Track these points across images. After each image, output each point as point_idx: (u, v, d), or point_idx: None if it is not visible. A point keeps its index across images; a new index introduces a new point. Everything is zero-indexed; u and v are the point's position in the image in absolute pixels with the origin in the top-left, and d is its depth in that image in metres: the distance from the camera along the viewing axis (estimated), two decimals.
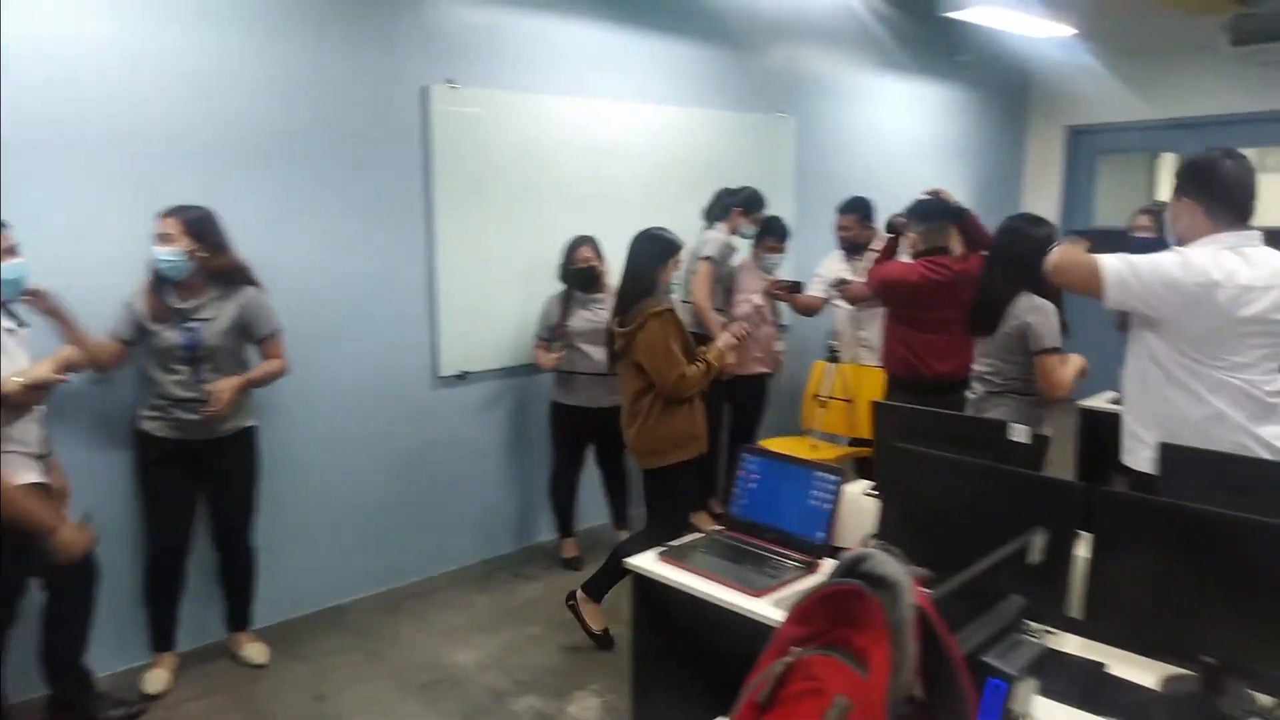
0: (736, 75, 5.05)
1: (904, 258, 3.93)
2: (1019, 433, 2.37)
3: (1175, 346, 2.37)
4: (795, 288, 4.58)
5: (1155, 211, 4.23)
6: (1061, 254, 2.55)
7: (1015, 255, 3.12)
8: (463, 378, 4.10)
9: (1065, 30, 5.63)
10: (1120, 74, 6.42)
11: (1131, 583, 1.80)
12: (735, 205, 4.53)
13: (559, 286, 4.09)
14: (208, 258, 2.98)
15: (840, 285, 4.42)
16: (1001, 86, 6.84)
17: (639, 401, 3.22)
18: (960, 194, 6.62)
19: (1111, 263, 2.40)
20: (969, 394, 3.28)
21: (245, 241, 3.15)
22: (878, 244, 4.38)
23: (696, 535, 2.58)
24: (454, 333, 4.02)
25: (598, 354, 3.97)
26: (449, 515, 4.14)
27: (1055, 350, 3.02)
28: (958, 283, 3.57)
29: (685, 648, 2.40)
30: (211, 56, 3.24)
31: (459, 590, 4.00)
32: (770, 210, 4.65)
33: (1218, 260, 2.31)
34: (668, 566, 2.35)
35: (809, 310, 4.70)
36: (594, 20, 4.35)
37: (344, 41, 3.55)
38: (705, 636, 2.25)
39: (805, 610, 1.32)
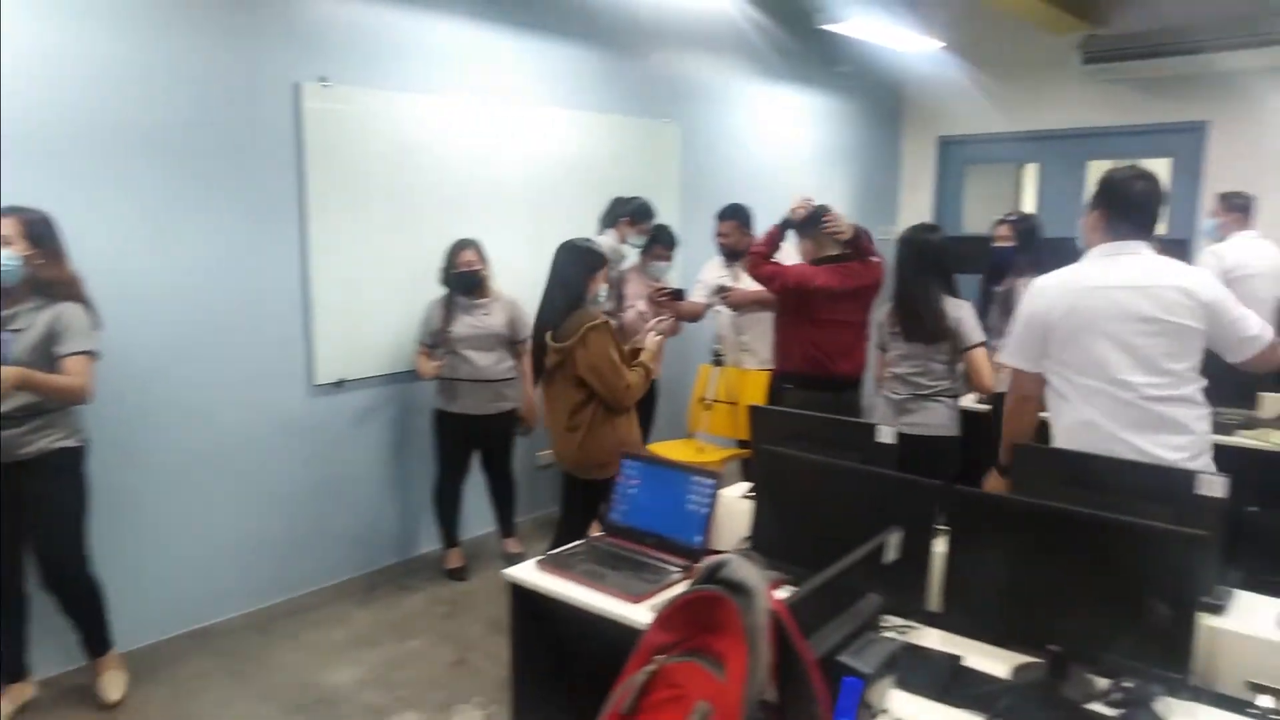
0: (622, 79, 5.07)
1: (791, 259, 4.04)
2: (885, 434, 2.46)
3: (1054, 360, 2.53)
4: (677, 295, 4.62)
5: (1013, 222, 4.41)
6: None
7: (926, 262, 3.38)
8: (340, 385, 3.97)
9: (934, 44, 5.89)
10: (985, 88, 6.75)
11: (985, 577, 1.88)
12: (624, 215, 4.58)
13: (441, 291, 4.01)
14: (42, 265, 2.76)
15: (722, 292, 4.49)
16: (878, 97, 7.09)
17: (578, 415, 3.18)
18: (840, 201, 6.88)
19: (1005, 354, 2.66)
20: (891, 395, 3.46)
21: (103, 245, 2.96)
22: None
23: (577, 543, 2.57)
24: (330, 339, 3.89)
25: (482, 359, 3.93)
26: (328, 528, 4.00)
27: (983, 344, 3.27)
28: (862, 288, 3.80)
29: (567, 657, 2.38)
30: (65, 47, 3.04)
31: (339, 606, 3.87)
32: (657, 216, 4.70)
33: (1076, 271, 2.49)
34: (547, 575, 2.34)
35: (692, 317, 4.75)
36: (475, 19, 4.28)
37: (210, 35, 3.39)
38: (586, 645, 2.24)
39: (667, 618, 1.34)
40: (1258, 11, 5.35)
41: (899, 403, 3.42)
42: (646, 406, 4.89)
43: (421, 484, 4.24)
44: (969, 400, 4.33)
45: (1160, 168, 6.35)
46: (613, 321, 4.58)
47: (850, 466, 2.09)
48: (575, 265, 3.22)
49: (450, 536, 4.20)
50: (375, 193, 3.98)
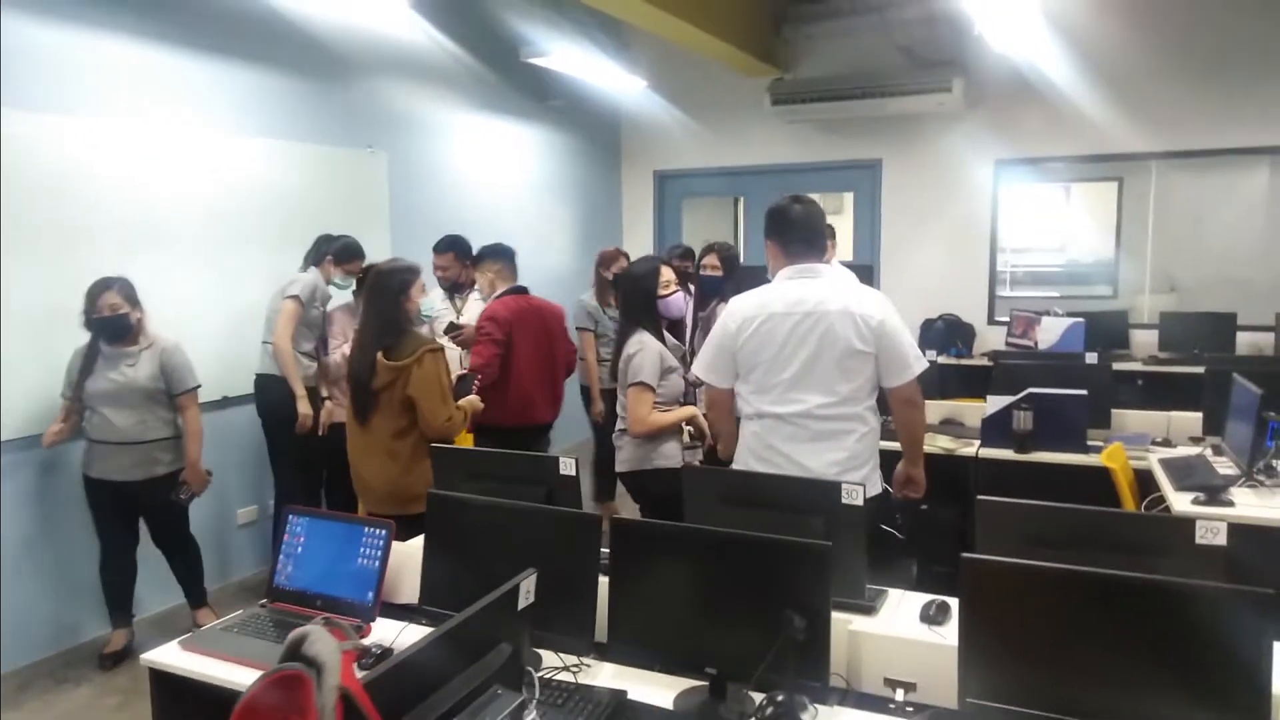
0: (319, 107, 4.79)
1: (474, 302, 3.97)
2: (567, 465, 2.42)
3: (740, 379, 2.67)
4: (454, 328, 4.39)
5: (719, 250, 4.57)
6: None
7: (625, 299, 3.39)
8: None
9: (638, 83, 6.12)
10: (690, 125, 7.13)
11: (644, 604, 1.88)
12: (329, 253, 4.33)
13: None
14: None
15: (452, 330, 4.29)
16: (595, 131, 7.27)
17: (397, 442, 3.14)
18: (564, 231, 6.96)
19: (696, 367, 2.81)
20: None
21: None
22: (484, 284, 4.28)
23: (236, 614, 2.30)
24: None
25: (120, 418, 3.47)
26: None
27: (642, 384, 3.18)
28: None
29: None
30: None
31: None
32: (366, 249, 4.46)
33: (763, 293, 2.63)
34: (190, 655, 2.06)
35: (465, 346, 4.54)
36: (145, 38, 3.86)
37: None
38: None
39: (252, 703, 1.18)
40: (909, 65, 6.05)
41: (614, 439, 3.43)
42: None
43: (86, 560, 3.70)
44: None
45: (845, 201, 7.02)
46: (324, 361, 4.32)
47: (510, 504, 2.03)
48: (385, 288, 3.20)
49: (119, 616, 3.68)
50: (20, 228, 3.44)
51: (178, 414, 3.61)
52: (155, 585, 3.90)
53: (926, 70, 5.97)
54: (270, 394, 4.18)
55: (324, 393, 4.35)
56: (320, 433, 4.24)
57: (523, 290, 4.06)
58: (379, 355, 3.13)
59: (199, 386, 3.65)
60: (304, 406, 4.13)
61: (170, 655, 2.08)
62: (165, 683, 2.07)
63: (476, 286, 4.40)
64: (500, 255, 4.13)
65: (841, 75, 6.26)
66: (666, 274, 3.37)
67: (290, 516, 2.37)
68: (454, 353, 4.52)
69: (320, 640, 1.07)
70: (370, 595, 2.22)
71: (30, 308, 3.51)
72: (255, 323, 4.27)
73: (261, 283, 4.32)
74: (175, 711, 2.09)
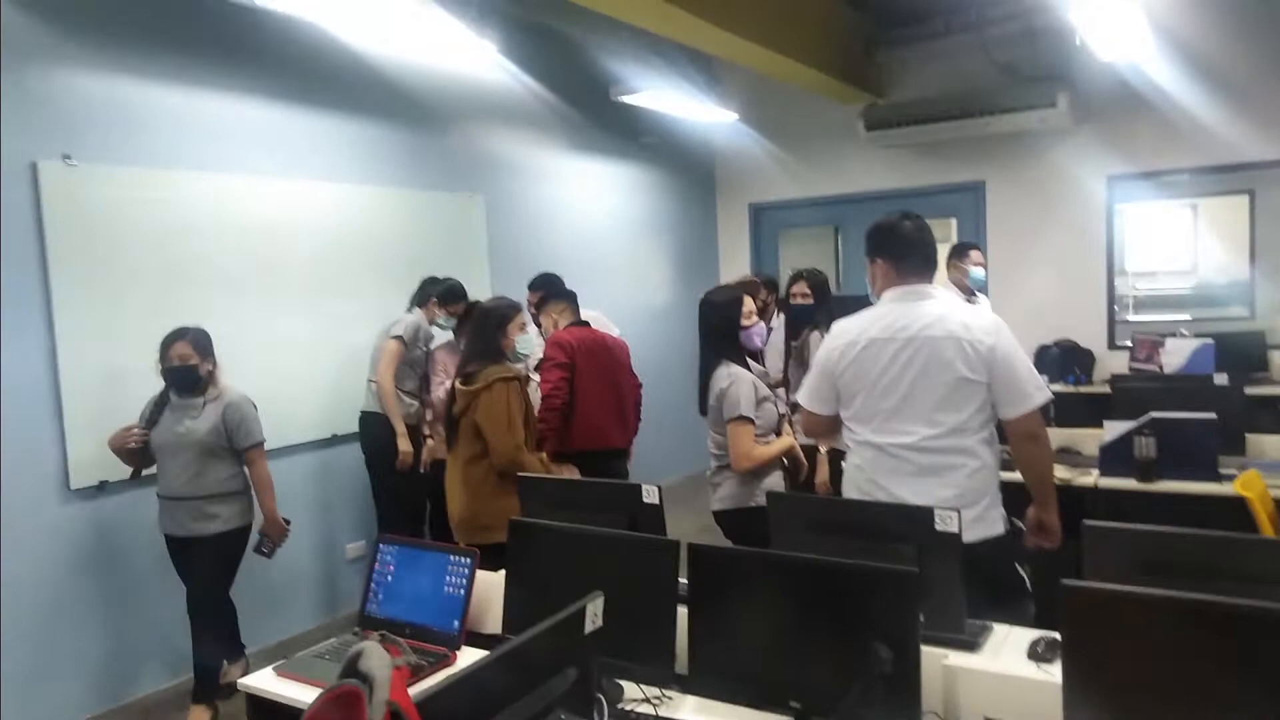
0: (419, 154, 4.99)
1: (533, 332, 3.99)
2: (650, 493, 2.38)
3: (842, 405, 2.57)
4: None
5: (807, 277, 4.48)
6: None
7: (708, 328, 3.30)
8: (101, 488, 3.60)
9: (728, 116, 6.13)
10: (784, 156, 7.08)
11: (726, 634, 1.81)
12: (433, 295, 4.47)
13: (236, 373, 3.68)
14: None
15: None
16: (689, 167, 7.30)
17: (470, 469, 3.20)
18: (660, 267, 6.99)
19: (799, 393, 2.71)
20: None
21: None
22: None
23: (329, 641, 2.35)
24: (87, 437, 3.53)
25: (173, 471, 3.38)
26: (90, 649, 3.56)
27: (741, 418, 3.10)
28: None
29: None
30: None
31: None
32: (467, 289, 4.59)
33: (868, 317, 2.52)
34: (283, 681, 2.11)
35: None
36: (248, 94, 4.12)
37: None
38: None
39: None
40: (1010, 83, 5.85)
41: (709, 478, 3.32)
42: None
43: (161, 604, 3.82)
44: None
45: (949, 227, 6.80)
46: (427, 399, 4.43)
47: (587, 530, 2.00)
48: (481, 321, 3.36)
49: (231, 653, 3.70)
50: (136, 278, 3.70)
51: (246, 468, 3.50)
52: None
53: (1028, 86, 5.75)
54: (373, 431, 4.32)
55: (426, 431, 4.46)
56: (422, 470, 4.34)
57: (584, 324, 4.11)
58: (458, 382, 3.23)
59: (263, 441, 3.51)
60: (404, 444, 4.24)
61: (265, 681, 2.13)
62: (260, 706, 2.12)
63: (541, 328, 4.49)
64: (564, 296, 4.20)
65: (939, 96, 6.10)
66: (748, 304, 3.32)
67: (381, 545, 2.41)
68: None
69: (374, 656, 1.07)
70: (455, 624, 2.23)
71: (133, 357, 3.69)
72: (362, 363, 4.43)
73: (368, 324, 4.48)
74: None
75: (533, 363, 4.48)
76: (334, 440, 4.46)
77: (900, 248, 2.52)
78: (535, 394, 3.80)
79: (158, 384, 3.72)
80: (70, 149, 3.47)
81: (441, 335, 4.61)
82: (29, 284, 3.39)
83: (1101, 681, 1.49)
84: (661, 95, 5.53)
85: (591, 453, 3.87)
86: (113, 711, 3.65)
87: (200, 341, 3.42)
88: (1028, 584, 2.70)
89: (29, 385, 3.40)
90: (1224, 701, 1.40)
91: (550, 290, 4.30)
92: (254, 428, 3.46)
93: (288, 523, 3.64)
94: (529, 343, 3.52)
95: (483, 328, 3.34)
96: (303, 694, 2.04)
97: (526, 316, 3.57)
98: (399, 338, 4.30)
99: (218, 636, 3.58)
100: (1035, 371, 2.46)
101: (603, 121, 6.23)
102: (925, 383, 2.39)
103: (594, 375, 3.94)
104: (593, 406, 3.93)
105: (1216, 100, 5.48)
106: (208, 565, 3.44)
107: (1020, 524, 2.61)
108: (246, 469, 3.50)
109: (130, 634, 3.70)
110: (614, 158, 6.47)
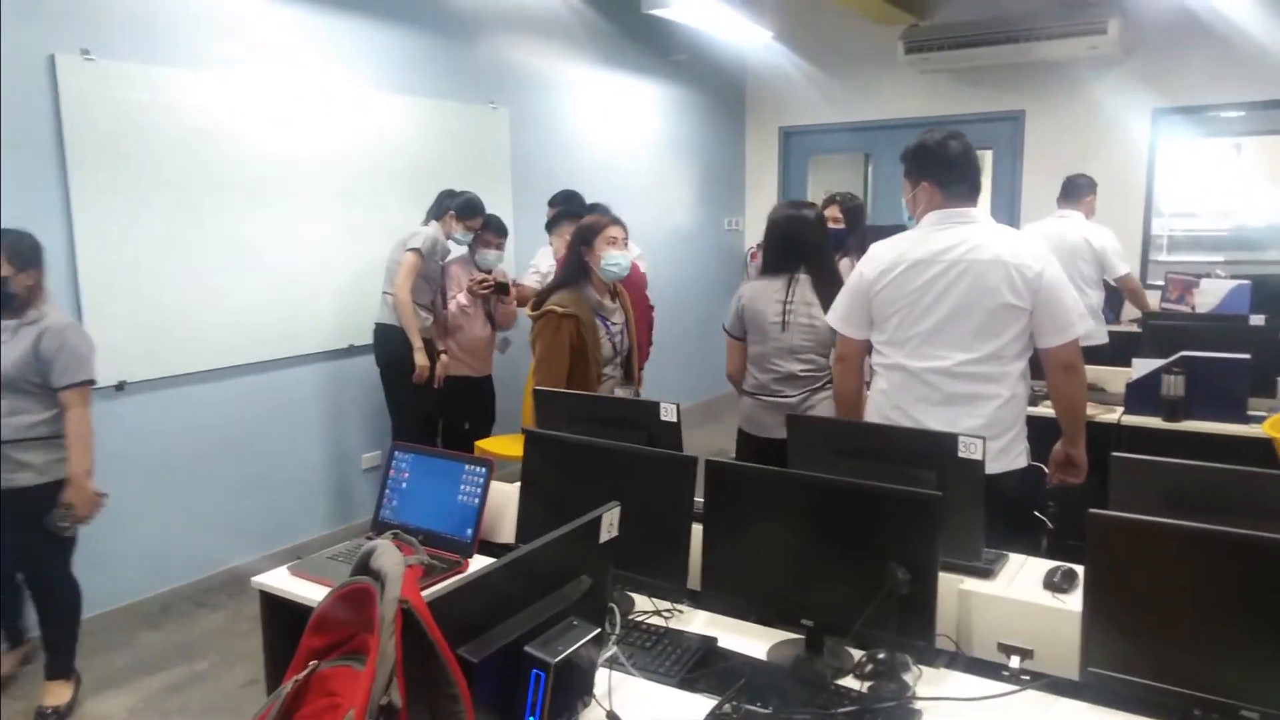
0: (443, 63, 4.86)
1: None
2: (668, 411, 2.36)
3: (875, 329, 2.49)
4: (502, 288, 4.44)
5: (841, 201, 4.35)
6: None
7: (816, 242, 3.23)
8: (121, 389, 3.62)
9: (764, 34, 5.91)
10: (818, 78, 6.86)
11: (739, 552, 1.80)
12: (451, 208, 4.36)
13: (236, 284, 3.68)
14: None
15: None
16: (719, 87, 7.10)
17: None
18: (686, 189, 6.86)
19: (830, 315, 2.62)
20: (783, 398, 3.13)
21: None
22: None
23: (341, 544, 2.37)
24: (106, 338, 3.51)
25: None
26: (112, 546, 3.63)
27: None
28: None
29: None
30: None
31: (124, 630, 3.52)
32: (486, 204, 4.51)
33: (906, 240, 2.43)
34: (297, 580, 2.13)
35: (522, 303, 4.59)
36: None
37: None
38: None
39: (322, 618, 1.17)
40: (1060, 5, 5.59)
41: (795, 404, 3.11)
42: (485, 401, 4.72)
43: (226, 493, 3.93)
44: None
45: (985, 159, 6.59)
46: (442, 313, 4.40)
47: (603, 444, 1.98)
48: (574, 238, 3.18)
49: None
50: (157, 180, 3.64)
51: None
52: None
53: (1078, 10, 5.50)
54: (388, 343, 4.29)
55: (440, 345, 4.44)
56: (436, 385, 4.34)
57: None
58: (529, 308, 3.18)
59: (90, 382, 2.92)
60: (420, 358, 4.21)
61: (278, 579, 2.15)
62: (274, 605, 2.15)
63: (551, 246, 4.43)
64: (577, 217, 4.11)
65: (983, 19, 5.85)
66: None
67: (395, 453, 2.41)
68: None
69: (386, 553, 1.05)
70: (469, 532, 2.24)
71: (182, 259, 3.72)
72: (378, 273, 4.39)
73: (385, 234, 4.41)
74: (283, 628, 2.16)
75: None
76: (351, 350, 4.46)
77: (947, 170, 2.41)
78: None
79: (177, 284, 3.73)
80: (89, 44, 3.39)
81: (457, 249, 4.54)
82: (47, 181, 3.35)
83: (1122, 611, 1.46)
84: (693, 9, 5.33)
85: None
86: (149, 599, 3.72)
87: (19, 248, 2.80)
88: (1048, 524, 2.67)
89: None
90: (1245, 633, 1.37)
91: (563, 212, 4.20)
92: (76, 363, 2.84)
93: (101, 495, 2.94)
94: (619, 259, 3.19)
95: (571, 247, 3.21)
96: (316, 593, 2.05)
97: (620, 231, 3.25)
98: (416, 250, 4.22)
99: (69, 613, 3.04)
100: (1079, 300, 2.41)
101: (633, 35, 6.03)
102: (966, 307, 2.33)
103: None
104: None
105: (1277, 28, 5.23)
106: (20, 527, 2.82)
107: (1043, 466, 2.57)
108: (60, 411, 2.85)
109: (153, 529, 3.76)
110: (643, 74, 6.29)
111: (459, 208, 4.37)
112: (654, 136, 6.51)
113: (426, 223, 4.41)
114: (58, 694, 2.97)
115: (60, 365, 2.82)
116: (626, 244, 3.27)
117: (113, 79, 3.46)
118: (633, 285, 4.10)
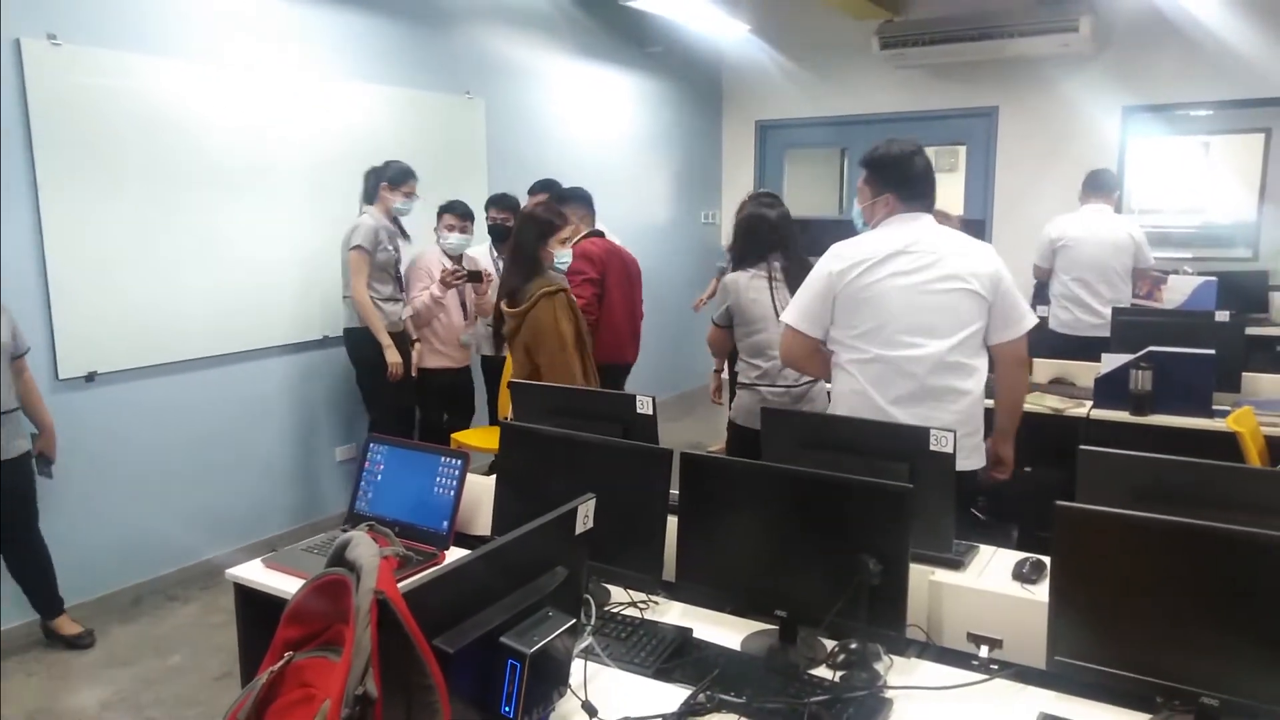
0: (418, 51, 4.83)
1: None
2: (644, 404, 2.37)
3: (836, 326, 2.51)
4: (475, 277, 4.40)
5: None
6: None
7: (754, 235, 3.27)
8: (91, 379, 3.57)
9: (741, 27, 5.93)
10: (794, 72, 6.88)
11: (715, 543, 1.81)
12: (383, 181, 4.17)
13: (208, 274, 3.65)
14: None
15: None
16: (695, 80, 7.10)
17: None
18: (662, 181, 6.87)
19: (790, 314, 2.57)
20: (780, 388, 3.16)
21: None
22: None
23: (317, 536, 2.36)
24: (75, 329, 3.49)
25: None
26: (83, 538, 3.59)
27: None
28: None
29: None
30: None
31: (96, 622, 3.48)
32: (460, 195, 4.48)
33: (866, 239, 2.47)
34: (271, 572, 2.12)
35: (484, 314, 4.53)
36: None
37: None
38: None
39: (297, 609, 1.17)
40: (1034, 2, 5.65)
41: (799, 394, 3.12)
42: (465, 394, 4.70)
43: (198, 485, 3.90)
44: None
45: (960, 157, 6.66)
46: (409, 301, 4.34)
47: (582, 437, 1.99)
48: (527, 233, 3.19)
49: None
50: (126, 168, 3.59)
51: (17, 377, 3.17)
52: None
53: (1051, 7, 5.57)
54: (359, 347, 4.17)
55: (414, 335, 4.40)
56: (413, 374, 4.31)
57: (601, 234, 4.04)
58: (504, 303, 3.17)
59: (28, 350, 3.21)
60: (392, 355, 4.08)
61: (252, 571, 2.14)
62: (248, 597, 2.14)
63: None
64: (583, 200, 4.10)
65: (957, 15, 5.90)
66: None
67: (371, 445, 2.40)
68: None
69: (361, 545, 1.05)
70: (445, 524, 2.23)
71: (152, 248, 3.67)
72: None
73: None
74: (257, 621, 2.15)
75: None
76: (325, 342, 4.42)
77: (910, 185, 2.49)
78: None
79: (148, 274, 3.69)
80: (55, 29, 3.33)
81: (429, 243, 4.45)
82: (14, 167, 3.29)
83: (1088, 601, 1.50)
84: (670, 1, 5.33)
85: (607, 366, 3.83)
86: (120, 591, 3.67)
87: None
88: (980, 518, 2.70)
89: (14, 274, 3.33)
90: (1206, 623, 1.41)
91: (570, 193, 4.15)
92: (20, 334, 3.16)
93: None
94: (567, 258, 3.35)
95: (523, 238, 3.19)
96: (290, 585, 2.05)
97: (569, 230, 3.39)
98: (358, 248, 4.03)
99: (44, 564, 3.29)
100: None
101: (610, 26, 6.02)
102: (937, 294, 2.39)
103: (618, 290, 3.92)
104: (616, 320, 3.92)
105: (1248, 28, 5.31)
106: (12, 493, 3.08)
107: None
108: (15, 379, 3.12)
109: (127, 520, 3.72)
110: (619, 66, 6.28)
111: (390, 178, 4.16)
112: (630, 128, 6.50)
113: (361, 212, 4.20)
114: (70, 625, 3.36)
115: (19, 335, 3.13)
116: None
117: (80, 65, 3.41)
118: (633, 263, 4.13)
